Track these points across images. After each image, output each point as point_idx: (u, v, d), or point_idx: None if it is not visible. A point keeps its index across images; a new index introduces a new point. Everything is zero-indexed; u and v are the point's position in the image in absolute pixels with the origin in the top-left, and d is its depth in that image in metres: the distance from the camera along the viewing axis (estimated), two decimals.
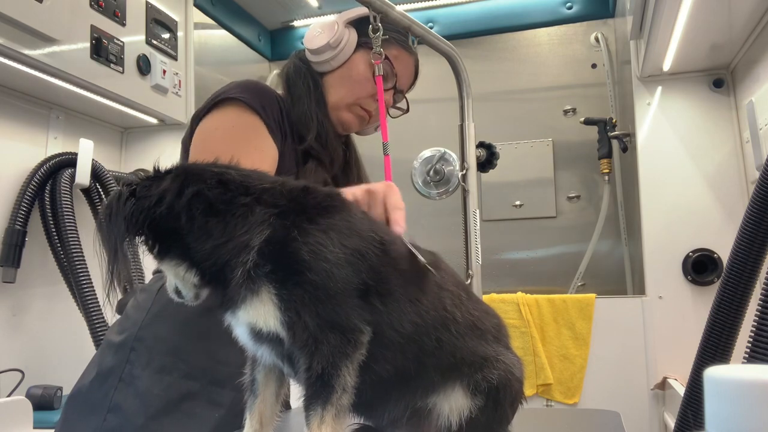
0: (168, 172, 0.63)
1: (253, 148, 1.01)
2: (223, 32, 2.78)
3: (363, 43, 1.16)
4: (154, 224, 0.60)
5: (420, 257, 0.66)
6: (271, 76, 3.04)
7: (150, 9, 2.12)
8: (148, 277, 1.18)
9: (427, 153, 1.55)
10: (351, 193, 0.79)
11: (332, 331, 0.57)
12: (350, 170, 1.25)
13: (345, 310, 0.58)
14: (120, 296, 1.10)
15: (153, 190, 0.61)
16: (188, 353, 1.01)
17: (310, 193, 0.64)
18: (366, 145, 1.36)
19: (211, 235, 0.60)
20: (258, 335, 0.61)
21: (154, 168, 0.64)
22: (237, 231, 0.59)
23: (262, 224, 0.59)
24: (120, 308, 1.12)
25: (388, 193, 0.81)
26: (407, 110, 1.27)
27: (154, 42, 2.13)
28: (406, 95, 1.27)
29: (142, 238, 0.62)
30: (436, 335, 0.63)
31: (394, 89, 1.19)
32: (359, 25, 1.17)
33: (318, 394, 0.56)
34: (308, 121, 1.11)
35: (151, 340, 1.02)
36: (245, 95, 1.04)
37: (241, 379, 0.70)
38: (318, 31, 1.16)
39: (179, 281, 0.65)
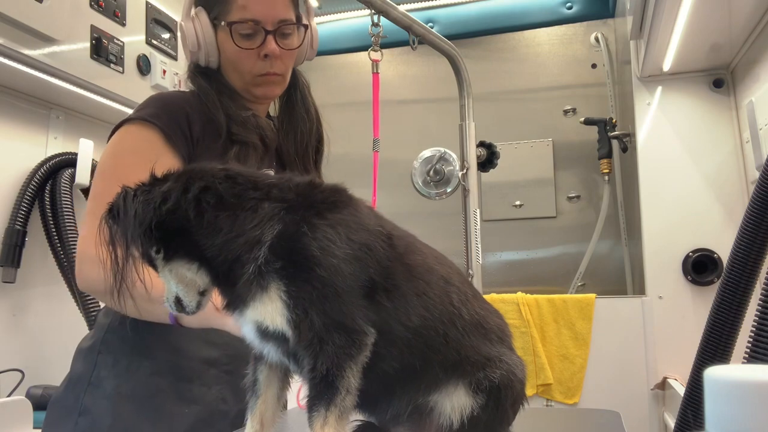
0: (167, 176, 0.63)
1: (135, 158, 0.99)
2: None
3: (215, 21, 1.09)
4: (161, 224, 0.59)
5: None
6: None
7: (150, 9, 2.12)
8: None
9: (427, 153, 1.55)
10: None
11: (337, 331, 0.57)
12: (296, 120, 1.19)
13: (351, 310, 0.58)
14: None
15: (156, 192, 0.60)
16: (153, 351, 1.02)
17: (316, 188, 0.64)
18: (363, 144, 1.36)
19: (222, 230, 0.59)
20: (264, 333, 0.61)
21: (151, 174, 0.64)
22: (247, 225, 0.59)
23: (272, 219, 0.59)
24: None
25: None
26: (305, 39, 1.15)
27: (154, 42, 2.13)
28: (308, 26, 1.15)
29: (149, 240, 0.61)
30: (443, 330, 0.63)
31: (265, 32, 1.07)
32: (203, 4, 1.11)
33: (322, 394, 0.56)
34: (215, 112, 1.07)
35: (116, 341, 1.03)
36: (139, 113, 1.04)
37: (245, 381, 0.70)
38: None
39: (183, 287, 0.64)
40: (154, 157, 0.97)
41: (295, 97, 1.21)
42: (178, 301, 0.65)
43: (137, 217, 0.59)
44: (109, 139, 1.06)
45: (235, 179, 0.62)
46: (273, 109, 1.26)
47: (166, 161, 0.98)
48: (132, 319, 1.00)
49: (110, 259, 0.61)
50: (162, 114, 1.03)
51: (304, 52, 1.20)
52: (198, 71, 1.13)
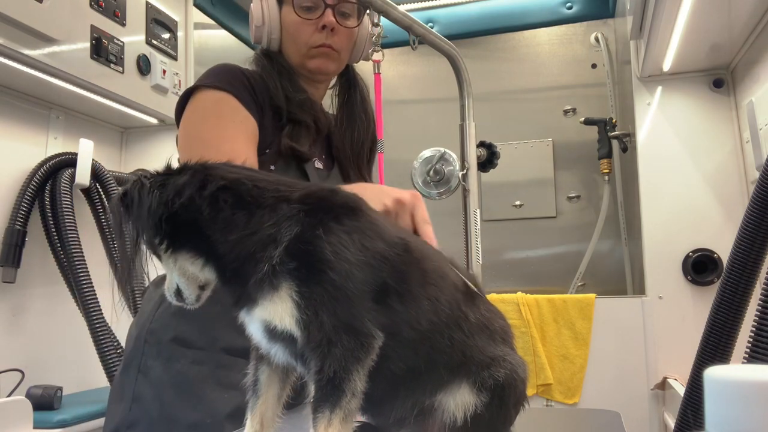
0: (183, 169, 0.63)
1: (229, 121, 1.04)
2: (223, 32, 2.78)
3: (279, 0, 1.18)
4: (172, 217, 0.59)
5: (470, 284, 0.66)
6: None
7: (150, 9, 2.12)
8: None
9: (427, 153, 1.55)
10: (381, 202, 0.82)
11: (346, 333, 0.57)
12: (354, 119, 1.25)
13: (361, 313, 0.58)
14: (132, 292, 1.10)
15: (170, 185, 0.60)
16: (194, 341, 1.05)
17: (337, 193, 0.64)
18: None
19: (237, 226, 0.59)
20: (272, 333, 0.61)
21: (167, 166, 0.63)
22: (265, 222, 0.59)
23: (290, 219, 0.59)
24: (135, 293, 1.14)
25: (416, 205, 0.84)
26: (360, 21, 1.21)
27: (154, 42, 2.13)
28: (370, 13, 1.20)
29: (156, 232, 0.60)
30: (449, 333, 0.63)
31: (325, 5, 1.14)
32: None
33: (327, 396, 0.56)
34: (275, 92, 1.13)
35: (160, 331, 1.07)
36: (209, 80, 1.08)
37: (245, 380, 0.70)
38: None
39: (184, 281, 0.64)
40: (239, 118, 1.04)
41: (355, 97, 1.27)
42: (179, 293, 0.65)
43: (150, 209, 0.58)
44: (179, 111, 1.10)
45: (256, 182, 0.62)
46: (332, 108, 1.29)
47: (249, 123, 1.05)
48: (176, 309, 1.02)
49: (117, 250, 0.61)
50: (233, 80, 1.08)
51: (363, 44, 1.24)
52: (262, 53, 1.20)
